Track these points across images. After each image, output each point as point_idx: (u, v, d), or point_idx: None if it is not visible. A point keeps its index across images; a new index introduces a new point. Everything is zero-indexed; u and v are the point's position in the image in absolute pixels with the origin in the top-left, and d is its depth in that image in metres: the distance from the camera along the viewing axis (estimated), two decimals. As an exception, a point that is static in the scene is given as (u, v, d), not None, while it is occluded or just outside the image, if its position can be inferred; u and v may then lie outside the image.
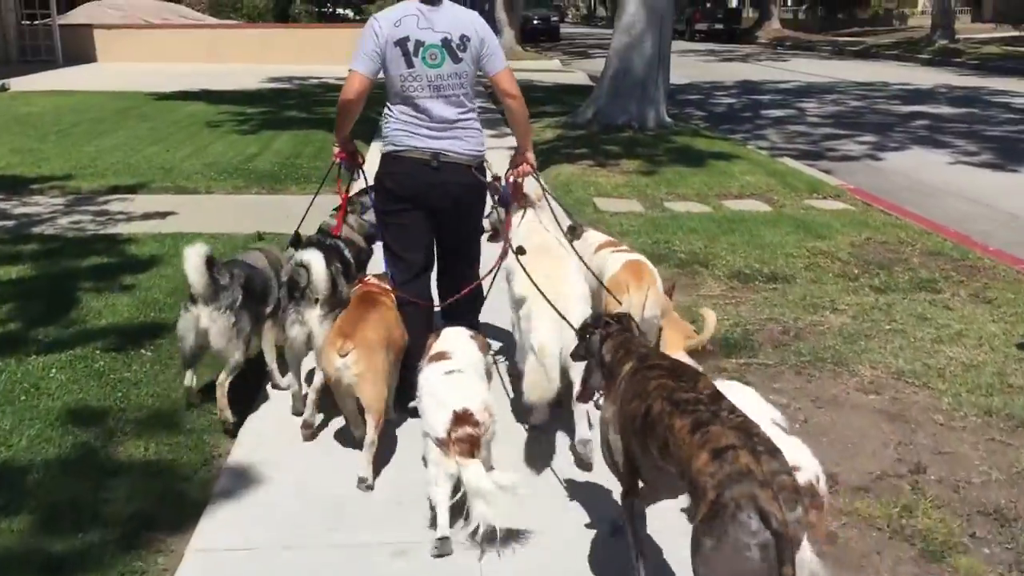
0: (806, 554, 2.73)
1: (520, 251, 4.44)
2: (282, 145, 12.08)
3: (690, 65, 25.09)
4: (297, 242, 4.94)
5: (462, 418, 3.51)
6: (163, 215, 8.65)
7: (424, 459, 3.77)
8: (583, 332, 3.51)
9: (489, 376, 4.08)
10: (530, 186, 4.99)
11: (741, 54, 30.60)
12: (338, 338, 3.98)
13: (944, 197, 10.41)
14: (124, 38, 24.73)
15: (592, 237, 5.21)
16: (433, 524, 3.59)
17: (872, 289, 6.68)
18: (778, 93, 19.78)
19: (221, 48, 24.67)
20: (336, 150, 4.79)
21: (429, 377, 3.82)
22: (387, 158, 4.47)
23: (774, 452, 2.51)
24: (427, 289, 4.75)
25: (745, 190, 9.97)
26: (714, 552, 2.40)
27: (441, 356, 3.91)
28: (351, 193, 5.13)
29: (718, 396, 2.75)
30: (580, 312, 4.08)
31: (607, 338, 3.35)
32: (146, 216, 8.59)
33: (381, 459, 4.14)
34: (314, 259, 4.25)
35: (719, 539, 2.38)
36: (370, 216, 5.07)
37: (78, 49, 24.24)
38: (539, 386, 4.06)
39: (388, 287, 4.48)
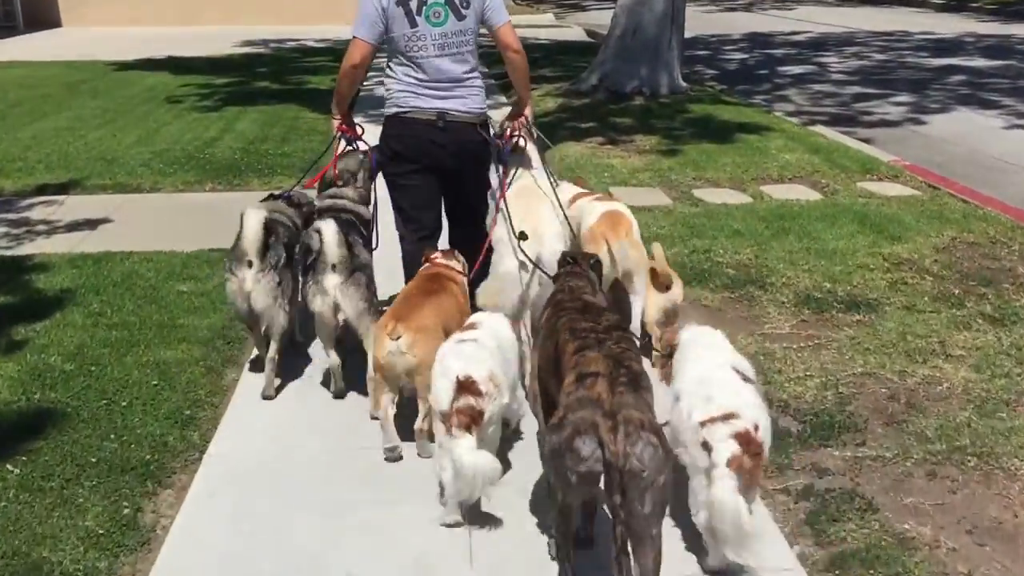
0: (727, 494, 2.73)
1: (522, 236, 4.22)
2: (247, 126, 10.34)
3: (691, 16, 22.92)
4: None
5: (464, 386, 3.22)
6: (93, 224, 6.99)
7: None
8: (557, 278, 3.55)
9: (521, 362, 3.84)
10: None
11: (744, 2, 28.47)
12: (390, 320, 3.68)
13: (1011, 172, 8.78)
14: (90, 0, 22.69)
15: (567, 188, 5.01)
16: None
17: (986, 320, 5.08)
18: (792, 46, 17.95)
19: (195, 9, 22.61)
20: (336, 122, 4.66)
21: (442, 347, 3.50)
22: (392, 120, 4.39)
23: (635, 386, 2.54)
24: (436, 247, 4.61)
25: (786, 172, 8.30)
26: (550, 457, 2.56)
27: (467, 327, 3.62)
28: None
29: (613, 328, 2.83)
30: (553, 249, 4.11)
31: (557, 279, 3.46)
32: (72, 226, 6.93)
33: None
34: (324, 224, 4.06)
35: (554, 451, 2.51)
36: (361, 181, 4.79)
37: (40, 13, 22.17)
38: (491, 293, 4.11)
39: (458, 267, 4.23)
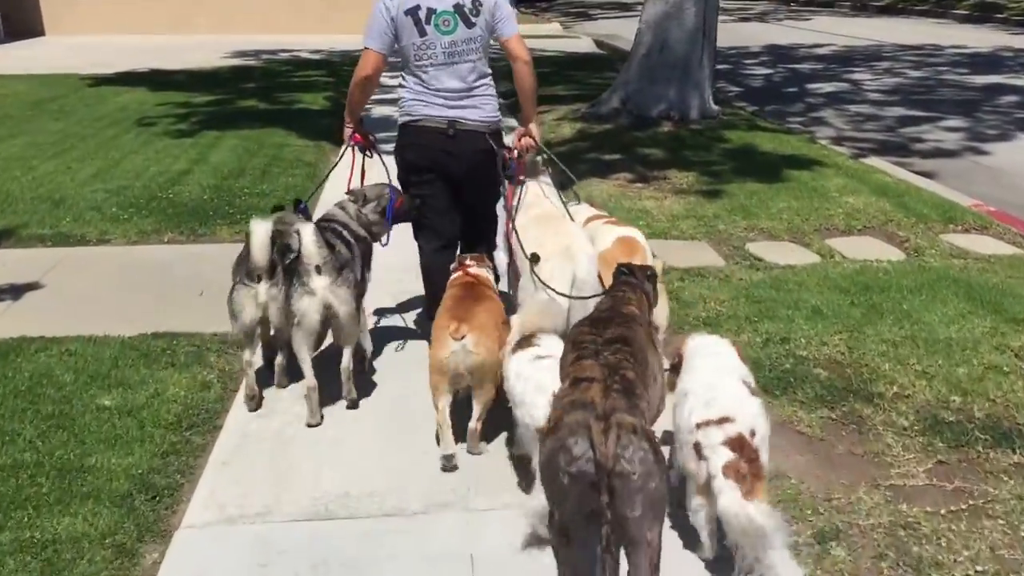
0: (732, 498, 2.72)
1: (535, 258, 3.88)
2: (223, 156, 8.90)
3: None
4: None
5: None
6: (18, 291, 5.55)
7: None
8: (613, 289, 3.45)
9: None
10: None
11: (756, 11, 27.08)
12: (452, 321, 3.63)
13: (1108, 217, 7.35)
14: (76, 7, 21.15)
15: (582, 210, 4.70)
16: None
17: None
18: (817, 61, 16.54)
19: (186, 17, 21.13)
20: (348, 131, 4.55)
21: (521, 363, 3.38)
22: (404, 128, 4.35)
23: (629, 393, 2.54)
24: (453, 257, 4.45)
25: (854, 220, 6.87)
26: (545, 462, 2.47)
27: (527, 343, 3.47)
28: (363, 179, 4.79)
29: (615, 340, 2.79)
30: (587, 268, 3.86)
31: (611, 289, 3.40)
32: (-8, 294, 5.51)
33: None
34: (303, 226, 3.86)
35: (548, 454, 2.44)
36: (369, 209, 4.49)
37: (23, 22, 20.70)
38: (534, 317, 3.59)
39: (490, 275, 4.16)
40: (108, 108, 11.52)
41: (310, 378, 3.97)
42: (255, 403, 4.11)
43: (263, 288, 3.99)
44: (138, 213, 7.03)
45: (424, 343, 4.33)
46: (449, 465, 3.62)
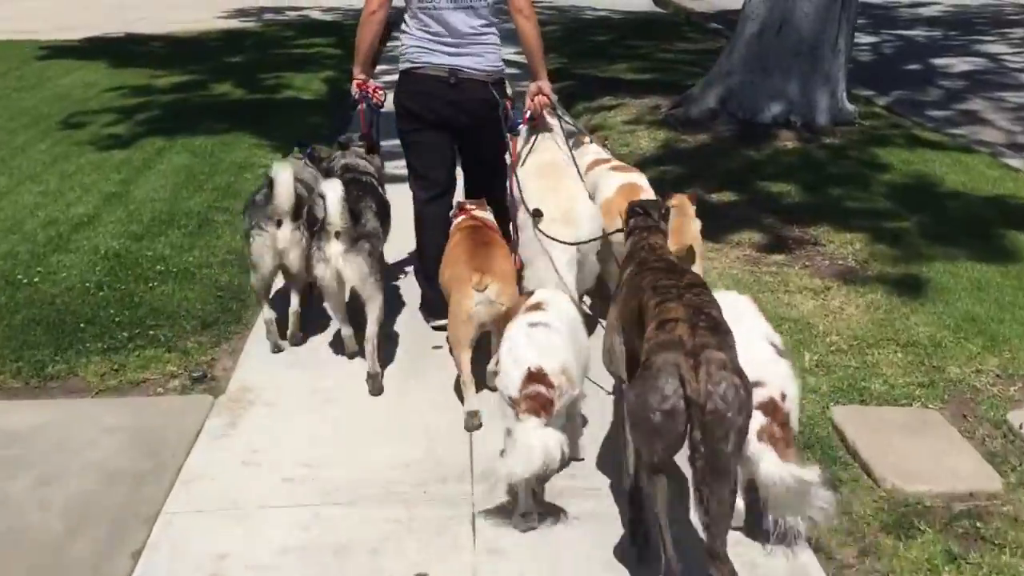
0: (768, 458, 2.56)
1: (537, 214, 3.73)
2: (155, 186, 5.89)
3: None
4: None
5: (535, 376, 2.83)
6: None
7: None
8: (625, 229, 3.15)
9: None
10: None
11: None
12: (474, 273, 3.46)
13: None
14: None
15: (589, 152, 4.43)
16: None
17: None
18: (928, 26, 13.10)
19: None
20: (358, 81, 4.17)
21: (513, 329, 3.09)
22: (405, 76, 4.09)
23: (715, 329, 2.38)
24: (448, 208, 4.18)
25: None
26: (636, 404, 2.34)
27: (534, 308, 3.15)
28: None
29: (694, 285, 2.61)
30: (590, 231, 3.76)
31: (630, 233, 3.07)
32: None
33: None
34: (330, 188, 3.62)
35: (638, 396, 2.33)
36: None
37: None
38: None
39: (491, 218, 3.97)
40: (42, 96, 8.55)
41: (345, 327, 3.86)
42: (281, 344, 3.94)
43: (284, 233, 3.80)
44: (-33, 322, 4.09)
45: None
46: (472, 423, 3.40)
